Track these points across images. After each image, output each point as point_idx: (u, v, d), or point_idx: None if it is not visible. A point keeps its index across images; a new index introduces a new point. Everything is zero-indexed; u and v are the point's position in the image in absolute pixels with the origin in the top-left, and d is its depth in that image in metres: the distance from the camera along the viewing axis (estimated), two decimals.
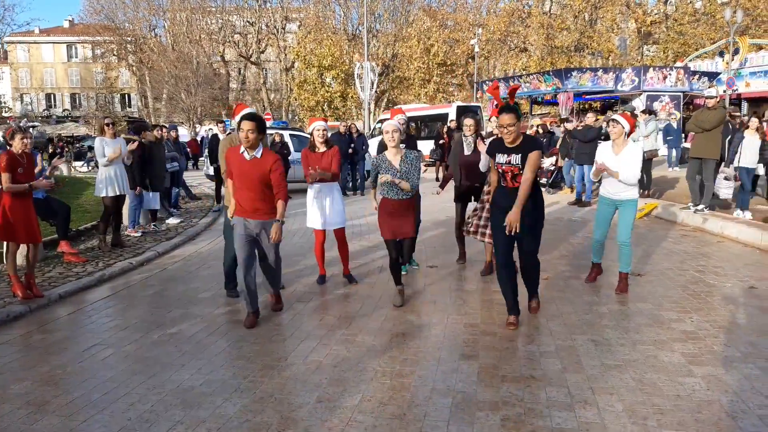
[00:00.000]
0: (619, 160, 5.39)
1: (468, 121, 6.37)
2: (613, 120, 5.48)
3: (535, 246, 4.67)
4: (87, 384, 3.82)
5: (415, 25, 40.32)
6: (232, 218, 4.86)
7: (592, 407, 3.34)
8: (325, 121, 6.16)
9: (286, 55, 46.69)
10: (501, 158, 4.58)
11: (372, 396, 3.54)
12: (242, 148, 4.65)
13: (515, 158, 4.49)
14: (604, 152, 5.55)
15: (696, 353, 4.10)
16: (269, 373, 3.93)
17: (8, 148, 5.64)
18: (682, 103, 23.72)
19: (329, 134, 6.11)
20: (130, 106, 56.73)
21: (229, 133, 6.48)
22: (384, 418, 3.26)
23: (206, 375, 3.92)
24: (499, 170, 4.62)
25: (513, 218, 4.35)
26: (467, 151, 6.32)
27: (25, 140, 5.66)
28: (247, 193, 4.68)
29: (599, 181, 5.87)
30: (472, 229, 6.15)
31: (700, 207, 8.99)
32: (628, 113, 11.82)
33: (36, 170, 6.11)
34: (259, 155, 4.64)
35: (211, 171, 13.57)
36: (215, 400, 3.53)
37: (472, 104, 28.19)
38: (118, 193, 7.90)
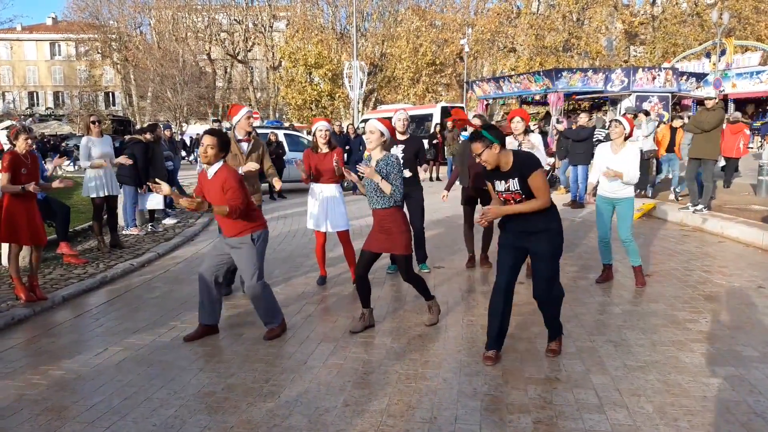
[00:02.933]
0: (618, 160, 5.54)
1: (476, 121, 6.29)
2: (616, 121, 5.63)
3: (553, 273, 3.97)
4: (105, 389, 3.74)
5: (404, 25, 40.30)
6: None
7: (621, 409, 3.34)
8: (329, 121, 6.01)
9: (273, 53, 46.46)
10: (500, 186, 3.92)
11: (399, 399, 3.50)
12: (205, 166, 4.43)
13: (513, 183, 3.84)
14: (603, 153, 5.69)
15: (715, 354, 4.11)
16: (290, 376, 3.87)
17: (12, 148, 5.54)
18: (670, 104, 23.97)
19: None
20: (114, 105, 56.15)
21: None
22: (415, 422, 3.23)
23: (226, 379, 3.86)
24: (501, 198, 3.97)
25: (494, 212, 3.88)
26: None
27: (29, 140, 5.55)
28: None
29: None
30: None
31: (699, 207, 9.07)
32: (630, 116, 11.93)
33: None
34: (214, 172, 4.40)
35: None
36: (239, 405, 3.48)
37: (456, 104, 28.59)
38: (107, 194, 7.77)
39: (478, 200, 6.50)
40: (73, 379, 3.92)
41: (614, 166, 5.57)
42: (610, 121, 5.80)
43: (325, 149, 5.73)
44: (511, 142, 5.92)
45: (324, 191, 5.79)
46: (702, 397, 3.47)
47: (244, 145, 5.54)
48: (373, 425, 3.21)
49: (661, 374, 3.78)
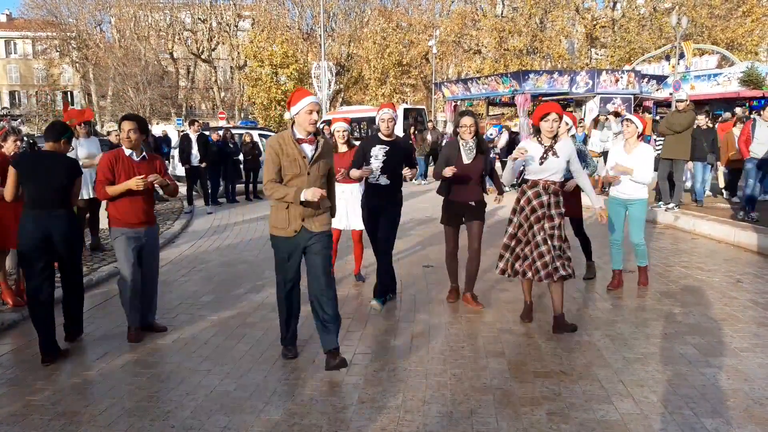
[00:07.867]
0: (631, 160, 5.54)
1: (466, 120, 4.99)
2: (627, 120, 5.62)
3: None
4: (115, 392, 3.71)
5: (371, 26, 40.39)
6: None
7: (628, 399, 3.48)
8: (348, 122, 6.09)
9: (238, 53, 45.96)
10: None
11: (413, 395, 3.58)
12: (128, 151, 4.58)
13: None
14: (616, 152, 5.72)
15: (707, 345, 4.31)
16: (301, 375, 3.91)
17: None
18: (632, 105, 24.64)
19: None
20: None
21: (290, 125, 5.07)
22: (432, 416, 3.31)
23: (237, 379, 3.87)
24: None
25: None
26: (466, 159, 5.04)
27: (18, 142, 5.44)
28: (136, 199, 4.59)
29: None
30: (512, 270, 4.71)
31: (671, 205, 9.39)
32: (602, 117, 12.15)
33: None
34: (146, 157, 4.67)
35: (180, 171, 13.24)
36: (256, 405, 3.50)
37: (418, 107, 28.86)
38: (92, 196, 7.64)
39: (463, 219, 5.28)
40: (79, 383, 3.88)
41: (627, 165, 5.55)
42: (622, 121, 5.87)
43: (343, 149, 5.83)
44: (534, 147, 4.56)
45: (345, 190, 5.84)
46: (701, 386, 3.64)
47: (307, 148, 3.96)
48: (393, 421, 3.28)
49: (660, 365, 3.95)
